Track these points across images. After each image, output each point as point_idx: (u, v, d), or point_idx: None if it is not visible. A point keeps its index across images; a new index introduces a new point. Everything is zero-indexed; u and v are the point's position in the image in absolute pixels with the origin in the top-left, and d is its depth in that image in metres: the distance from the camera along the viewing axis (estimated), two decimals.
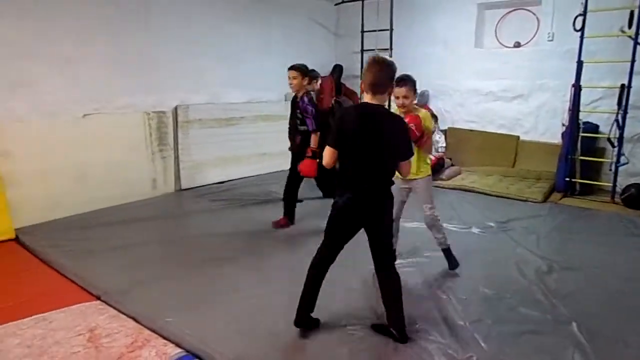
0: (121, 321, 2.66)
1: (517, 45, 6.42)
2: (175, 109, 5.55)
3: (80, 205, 4.60)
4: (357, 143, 2.31)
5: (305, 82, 4.24)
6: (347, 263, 2.83)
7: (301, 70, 4.18)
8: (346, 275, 3.13)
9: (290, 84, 4.22)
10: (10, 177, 4.08)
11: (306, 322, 2.55)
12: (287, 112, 7.01)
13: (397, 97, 3.03)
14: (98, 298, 2.95)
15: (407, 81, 3.03)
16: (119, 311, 2.77)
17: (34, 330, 2.56)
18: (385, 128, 2.30)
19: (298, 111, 4.24)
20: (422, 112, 3.14)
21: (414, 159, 2.83)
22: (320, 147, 3.42)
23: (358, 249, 2.66)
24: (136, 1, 5.05)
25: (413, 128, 2.91)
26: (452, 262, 3.34)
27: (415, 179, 3.15)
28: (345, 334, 2.54)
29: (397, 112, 3.02)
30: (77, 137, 4.60)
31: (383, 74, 2.32)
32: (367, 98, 2.35)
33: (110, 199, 4.88)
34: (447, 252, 3.34)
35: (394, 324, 2.44)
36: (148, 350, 2.37)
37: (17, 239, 3.98)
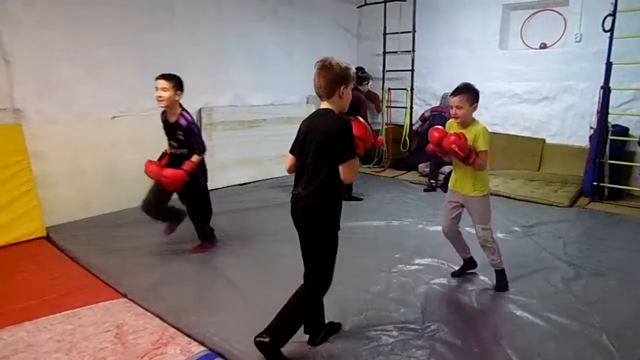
0: (147, 319, 2.73)
1: (543, 46, 6.30)
2: (200, 111, 5.65)
3: (109, 204, 4.74)
4: (297, 147, 2.36)
5: (178, 96, 3.48)
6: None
7: (174, 80, 3.44)
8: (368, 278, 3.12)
9: (159, 97, 3.41)
10: (42, 177, 4.23)
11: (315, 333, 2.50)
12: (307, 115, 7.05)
13: (452, 107, 2.99)
14: (125, 296, 3.03)
15: (462, 90, 2.95)
16: (145, 309, 2.83)
17: (64, 325, 2.64)
18: (318, 130, 2.28)
19: (180, 133, 3.51)
20: (476, 128, 2.91)
21: (465, 175, 2.88)
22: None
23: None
24: (163, 7, 5.18)
25: (456, 149, 2.77)
26: (501, 284, 3.08)
27: (468, 195, 2.98)
28: (366, 336, 2.54)
29: (453, 123, 3.01)
30: (106, 139, 4.74)
31: (321, 78, 2.35)
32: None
33: (137, 198, 4.93)
34: (500, 273, 3.09)
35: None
36: (173, 347, 2.42)
37: (48, 237, 4.12)
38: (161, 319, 2.72)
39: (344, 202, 2.46)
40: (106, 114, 4.80)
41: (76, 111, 4.56)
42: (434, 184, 5.87)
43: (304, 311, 2.35)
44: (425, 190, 5.86)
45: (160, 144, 5.20)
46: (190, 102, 5.53)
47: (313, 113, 2.49)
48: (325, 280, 2.38)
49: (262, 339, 2.20)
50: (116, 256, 3.64)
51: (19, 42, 4.10)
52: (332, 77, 2.32)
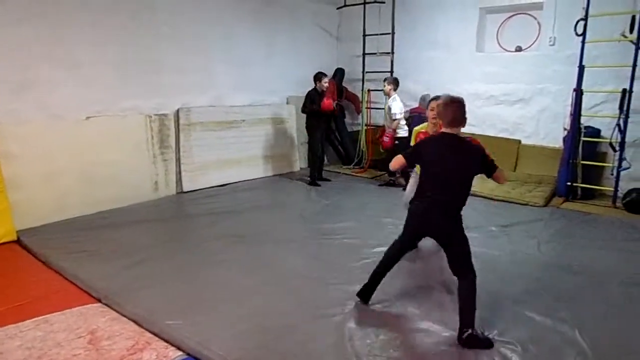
0: (122, 324, 2.67)
1: (519, 49, 6.43)
2: (177, 111, 5.57)
3: (82, 207, 4.62)
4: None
5: None
6: None
7: None
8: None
9: None
10: (12, 179, 4.09)
11: (366, 296, 2.84)
12: (289, 115, 7.07)
13: (432, 109, 3.36)
14: (99, 300, 2.95)
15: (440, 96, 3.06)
16: (120, 314, 2.77)
17: (35, 332, 2.56)
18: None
19: None
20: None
21: None
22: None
23: None
24: (143, 6, 5.08)
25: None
26: None
27: None
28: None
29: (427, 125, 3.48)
30: (80, 140, 4.63)
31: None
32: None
33: (112, 201, 4.89)
34: None
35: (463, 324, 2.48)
36: (149, 353, 2.37)
37: (18, 241, 3.99)
38: (137, 323, 2.67)
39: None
40: (80, 114, 4.68)
41: (50, 111, 4.44)
42: (392, 180, 6.19)
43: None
44: (380, 185, 6.21)
45: (137, 143, 5.13)
46: (168, 102, 5.50)
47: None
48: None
49: (469, 333, 2.41)
50: (90, 260, 3.55)
51: None
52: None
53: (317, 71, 6.13)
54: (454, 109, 2.54)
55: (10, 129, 4.11)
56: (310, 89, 6.10)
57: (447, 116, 2.55)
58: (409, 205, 2.79)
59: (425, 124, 3.67)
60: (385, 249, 2.90)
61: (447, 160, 2.52)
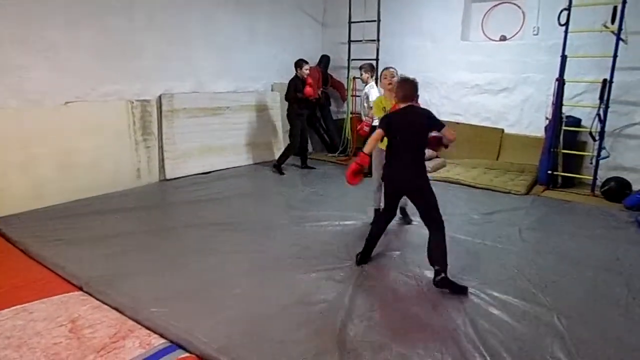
0: (104, 312, 2.64)
1: (503, 38, 6.46)
2: (160, 97, 5.47)
3: (62, 194, 4.52)
4: None
5: None
6: None
7: None
8: None
9: None
10: None
11: (363, 260, 3.31)
12: (274, 103, 7.01)
13: (387, 77, 4.00)
14: (80, 289, 2.91)
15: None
16: (102, 302, 2.74)
17: (14, 321, 2.52)
18: None
19: None
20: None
21: None
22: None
23: None
24: None
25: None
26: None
27: None
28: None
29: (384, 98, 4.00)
30: (59, 126, 4.51)
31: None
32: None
33: (93, 188, 4.80)
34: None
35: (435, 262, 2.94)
36: (132, 340, 2.35)
37: None
38: (119, 311, 2.64)
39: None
40: (59, 99, 4.56)
41: (25, 97, 4.31)
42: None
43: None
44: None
45: (118, 130, 5.03)
46: (150, 87, 5.39)
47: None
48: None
49: (441, 277, 2.85)
50: (71, 248, 3.49)
51: None
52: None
53: (300, 58, 6.08)
54: (407, 87, 3.14)
55: None
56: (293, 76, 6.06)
57: (400, 93, 3.14)
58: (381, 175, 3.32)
59: (382, 95, 4.12)
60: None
61: (409, 124, 3.06)
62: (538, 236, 4.01)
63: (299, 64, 6.01)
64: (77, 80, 4.67)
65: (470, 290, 2.93)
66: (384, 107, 3.83)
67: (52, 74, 4.46)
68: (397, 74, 4.03)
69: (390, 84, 3.93)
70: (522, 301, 2.82)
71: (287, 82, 6.12)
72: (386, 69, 4.16)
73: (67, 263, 3.21)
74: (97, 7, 4.74)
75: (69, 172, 4.60)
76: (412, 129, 3.05)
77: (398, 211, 3.66)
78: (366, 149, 3.15)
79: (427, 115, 3.11)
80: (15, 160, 4.20)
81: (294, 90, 5.94)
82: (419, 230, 3.78)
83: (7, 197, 4.11)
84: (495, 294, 2.91)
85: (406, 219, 4.25)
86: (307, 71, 6.05)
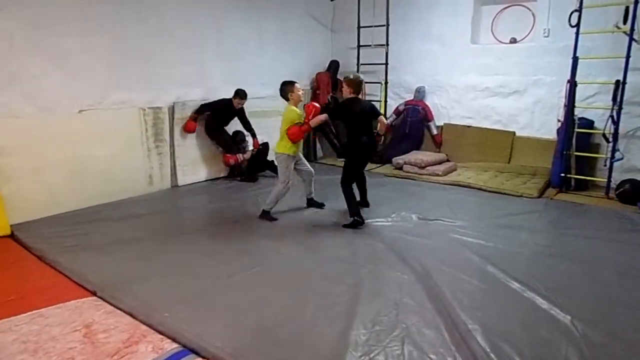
0: (117, 317, 2.67)
1: (513, 41, 6.43)
2: (173, 106, 5.53)
3: (76, 201, 4.60)
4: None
5: None
6: None
7: None
8: None
9: None
10: (5, 173, 4.06)
11: (360, 215, 4.20)
12: (283, 109, 7.01)
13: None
14: (94, 294, 2.95)
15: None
16: (115, 307, 2.77)
17: (30, 326, 2.56)
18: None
19: None
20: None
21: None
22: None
23: None
24: None
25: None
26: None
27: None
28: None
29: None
30: (73, 133, 4.59)
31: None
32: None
33: (106, 195, 4.87)
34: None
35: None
36: (145, 345, 2.38)
37: (12, 235, 3.97)
38: (132, 316, 2.67)
39: None
40: (73, 107, 4.64)
41: (40, 104, 4.39)
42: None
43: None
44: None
45: (131, 137, 5.10)
46: (162, 94, 5.46)
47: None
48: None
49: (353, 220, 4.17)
50: (84, 254, 3.54)
51: None
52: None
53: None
54: (357, 83, 4.28)
55: (1, 123, 4.07)
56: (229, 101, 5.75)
57: (355, 87, 4.28)
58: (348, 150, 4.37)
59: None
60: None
61: (362, 110, 4.24)
62: (551, 239, 3.97)
63: (238, 93, 5.68)
64: (90, 88, 4.75)
65: (479, 292, 2.90)
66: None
67: (66, 82, 4.54)
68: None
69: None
70: (535, 306, 2.79)
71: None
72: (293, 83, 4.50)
73: (81, 269, 3.26)
74: (109, 16, 4.82)
75: (83, 179, 4.67)
76: (365, 114, 4.23)
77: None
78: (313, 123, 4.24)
79: (370, 104, 4.40)
80: (30, 167, 4.28)
81: (216, 120, 5.73)
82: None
83: (23, 204, 4.18)
84: (507, 297, 2.88)
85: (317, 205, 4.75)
86: (240, 105, 5.74)
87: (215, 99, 6.01)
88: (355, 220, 4.17)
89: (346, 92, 4.35)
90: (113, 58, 4.93)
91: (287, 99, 4.42)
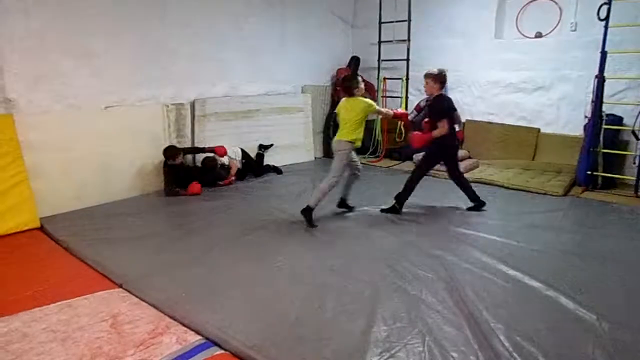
0: (142, 308, 2.73)
1: (539, 35, 6.28)
2: (193, 102, 5.61)
3: (101, 195, 4.71)
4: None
5: None
6: None
7: None
8: None
9: None
10: (35, 168, 4.19)
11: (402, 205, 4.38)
12: (305, 105, 7.03)
13: None
14: (120, 286, 3.02)
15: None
16: (140, 299, 2.83)
17: (59, 316, 2.64)
18: None
19: None
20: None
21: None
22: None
23: None
24: None
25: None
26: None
27: None
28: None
29: None
30: (99, 129, 4.70)
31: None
32: None
33: (130, 189, 4.98)
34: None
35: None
36: (169, 336, 2.42)
37: (42, 228, 4.10)
38: (157, 308, 2.72)
39: None
40: (99, 103, 4.75)
41: (69, 101, 4.51)
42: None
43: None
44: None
45: (154, 133, 5.19)
46: (184, 91, 5.54)
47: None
48: None
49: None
50: (110, 246, 3.63)
51: (8, 31, 4.03)
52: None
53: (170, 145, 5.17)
54: (444, 78, 4.27)
55: (31, 120, 4.20)
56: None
57: (443, 83, 4.28)
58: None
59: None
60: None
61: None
62: (577, 238, 3.88)
63: (171, 152, 5.03)
64: (115, 85, 4.85)
65: (505, 292, 2.86)
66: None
67: (93, 79, 4.65)
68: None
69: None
70: (561, 305, 2.74)
71: (317, 84, 6.01)
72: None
73: (107, 261, 3.34)
74: (134, 14, 4.91)
75: (108, 174, 4.78)
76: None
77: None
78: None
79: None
80: (59, 162, 4.40)
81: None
82: None
83: (51, 198, 4.31)
84: (532, 296, 2.84)
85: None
86: (178, 161, 5.10)
87: (236, 96, 6.08)
88: (394, 207, 4.35)
89: (433, 89, 4.23)
90: (137, 56, 5.02)
91: (351, 95, 4.19)
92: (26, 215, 4.06)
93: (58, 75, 4.40)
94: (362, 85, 4.26)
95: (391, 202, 4.48)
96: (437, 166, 4.65)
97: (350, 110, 4.17)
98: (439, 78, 4.23)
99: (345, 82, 4.27)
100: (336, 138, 4.22)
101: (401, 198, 4.41)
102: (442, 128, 4.16)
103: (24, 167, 4.08)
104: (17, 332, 2.47)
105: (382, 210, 4.42)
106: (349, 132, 4.14)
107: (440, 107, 4.28)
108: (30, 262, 3.41)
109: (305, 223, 4.09)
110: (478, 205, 4.53)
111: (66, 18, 4.39)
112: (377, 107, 4.35)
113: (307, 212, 4.10)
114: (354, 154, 4.33)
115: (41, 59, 4.27)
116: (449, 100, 4.40)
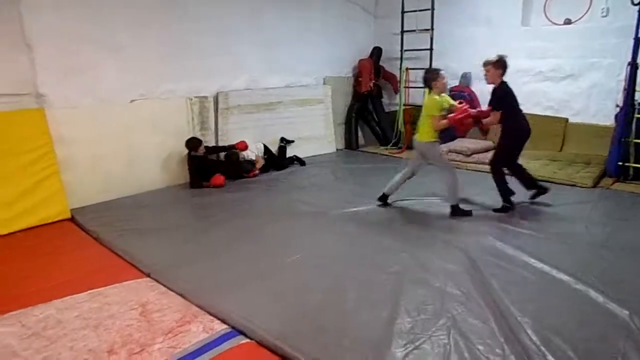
0: (170, 297, 2.79)
1: (568, 22, 6.08)
2: (216, 95, 5.66)
3: (129, 187, 4.83)
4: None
5: None
6: None
7: None
8: None
9: None
10: (65, 161, 4.32)
11: (510, 201, 4.22)
12: (326, 96, 7.00)
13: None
14: (148, 275, 3.10)
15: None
16: (168, 288, 2.90)
17: (91, 304, 2.73)
18: None
19: None
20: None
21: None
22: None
23: None
24: None
25: None
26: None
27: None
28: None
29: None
30: (126, 122, 4.81)
31: None
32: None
33: (156, 181, 5.09)
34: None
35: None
36: (196, 325, 2.48)
37: (72, 219, 4.23)
38: (184, 297, 2.78)
39: None
40: (125, 97, 4.85)
41: (97, 95, 4.62)
42: None
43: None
44: None
45: (179, 125, 5.27)
46: (207, 84, 5.58)
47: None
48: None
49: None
50: (138, 237, 3.72)
51: (39, 27, 4.15)
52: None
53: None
54: (506, 64, 4.09)
55: (61, 114, 4.32)
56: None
57: (504, 69, 4.09)
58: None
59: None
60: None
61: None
62: (607, 231, 3.77)
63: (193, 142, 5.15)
64: (141, 79, 4.94)
65: (532, 282, 2.81)
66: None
67: (120, 73, 4.75)
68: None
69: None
70: (591, 298, 2.68)
71: (339, 75, 5.96)
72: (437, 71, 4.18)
73: (135, 251, 3.43)
74: (158, 10, 4.99)
75: (135, 166, 4.89)
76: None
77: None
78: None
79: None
80: (88, 155, 4.53)
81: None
82: None
83: (81, 190, 4.44)
84: (562, 289, 2.78)
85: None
86: (201, 152, 5.20)
87: (258, 88, 6.09)
88: (505, 206, 4.15)
89: (495, 76, 4.05)
90: (162, 50, 5.09)
91: (430, 88, 4.05)
92: (57, 207, 4.19)
93: (87, 69, 4.51)
94: (444, 80, 4.08)
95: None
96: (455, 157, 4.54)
97: (424, 106, 4.10)
98: (500, 64, 4.02)
99: (426, 73, 4.16)
100: (420, 140, 4.11)
101: (506, 195, 4.19)
102: (493, 117, 4.09)
103: (55, 160, 4.21)
104: (51, 318, 2.57)
105: (494, 210, 4.18)
106: (429, 133, 4.02)
107: (496, 96, 4.14)
108: (62, 252, 3.53)
109: (463, 216, 4.06)
110: (540, 191, 4.38)
111: (94, 13, 4.48)
112: (448, 104, 4.07)
113: (456, 211, 4.07)
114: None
115: (70, 54, 4.37)
116: (509, 94, 4.13)
